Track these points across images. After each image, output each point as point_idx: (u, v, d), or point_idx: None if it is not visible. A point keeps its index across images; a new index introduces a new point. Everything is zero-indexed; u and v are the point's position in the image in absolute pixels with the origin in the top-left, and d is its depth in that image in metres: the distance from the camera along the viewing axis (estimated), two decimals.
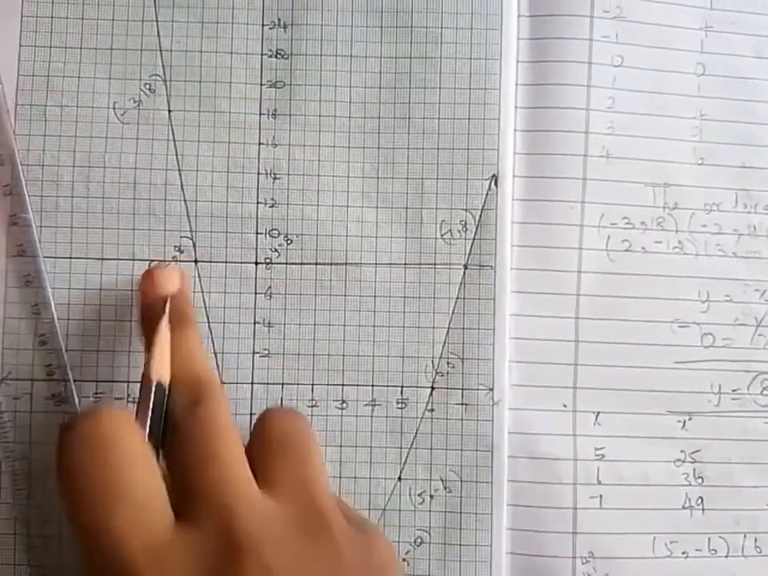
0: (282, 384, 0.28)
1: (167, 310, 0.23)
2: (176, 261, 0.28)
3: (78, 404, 0.27)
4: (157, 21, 0.28)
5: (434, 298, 0.28)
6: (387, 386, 0.28)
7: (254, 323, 0.28)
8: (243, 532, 0.19)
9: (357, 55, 0.28)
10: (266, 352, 0.28)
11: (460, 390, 0.28)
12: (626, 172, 0.29)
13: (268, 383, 0.28)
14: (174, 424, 0.21)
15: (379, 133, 0.28)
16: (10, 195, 0.28)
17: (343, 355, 0.28)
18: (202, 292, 0.28)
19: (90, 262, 0.28)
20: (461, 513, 0.28)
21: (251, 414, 0.28)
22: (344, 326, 0.28)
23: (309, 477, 0.21)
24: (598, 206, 0.28)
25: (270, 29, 0.28)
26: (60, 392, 0.27)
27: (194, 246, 0.28)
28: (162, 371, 0.21)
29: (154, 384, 0.21)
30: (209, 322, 0.28)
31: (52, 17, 0.28)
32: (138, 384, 0.22)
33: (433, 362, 0.28)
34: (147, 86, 0.28)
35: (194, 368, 0.22)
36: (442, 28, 0.28)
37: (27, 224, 0.28)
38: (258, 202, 0.28)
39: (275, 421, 0.23)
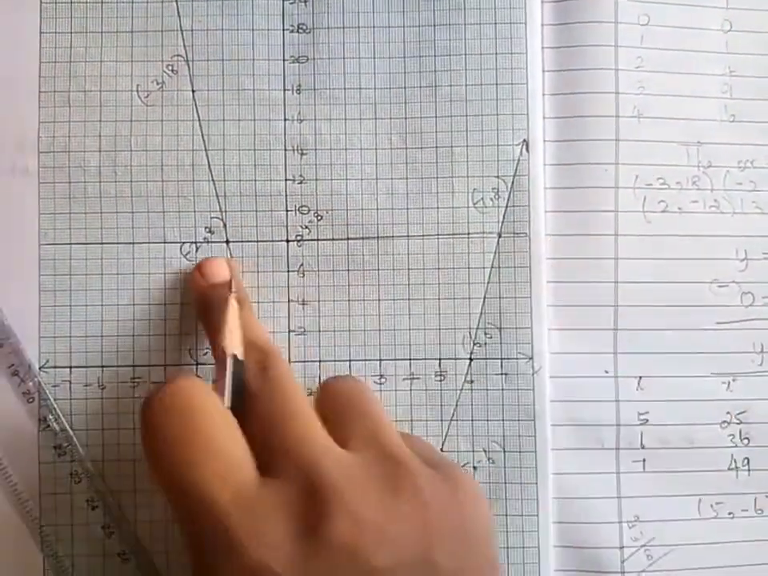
0: (320, 361, 0.28)
1: (233, 290, 0.24)
2: (207, 240, 0.28)
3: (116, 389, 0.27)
4: (177, 0, 0.28)
5: (469, 268, 0.28)
6: (425, 359, 0.28)
7: (289, 301, 0.28)
8: (327, 481, 0.19)
9: (379, 25, 0.28)
10: (302, 330, 0.28)
11: (499, 360, 0.28)
12: (658, 132, 0.28)
13: (305, 361, 0.28)
14: (247, 391, 0.22)
15: (406, 103, 0.28)
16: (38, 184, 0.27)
17: (379, 330, 0.28)
18: None
19: (122, 246, 0.27)
20: (505, 483, 0.27)
21: None
22: (379, 300, 0.28)
23: (379, 429, 0.21)
24: (632, 168, 0.28)
25: (291, 3, 0.28)
26: (98, 378, 0.27)
27: (225, 226, 0.28)
28: (235, 346, 0.22)
29: (230, 359, 0.22)
30: None
31: (71, 1, 0.28)
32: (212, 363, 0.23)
33: (470, 332, 0.28)
34: (170, 67, 0.28)
35: (258, 338, 0.24)
36: None
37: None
38: (286, 179, 0.28)
39: (339, 383, 0.24)
